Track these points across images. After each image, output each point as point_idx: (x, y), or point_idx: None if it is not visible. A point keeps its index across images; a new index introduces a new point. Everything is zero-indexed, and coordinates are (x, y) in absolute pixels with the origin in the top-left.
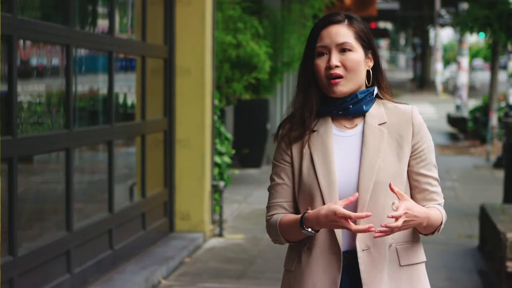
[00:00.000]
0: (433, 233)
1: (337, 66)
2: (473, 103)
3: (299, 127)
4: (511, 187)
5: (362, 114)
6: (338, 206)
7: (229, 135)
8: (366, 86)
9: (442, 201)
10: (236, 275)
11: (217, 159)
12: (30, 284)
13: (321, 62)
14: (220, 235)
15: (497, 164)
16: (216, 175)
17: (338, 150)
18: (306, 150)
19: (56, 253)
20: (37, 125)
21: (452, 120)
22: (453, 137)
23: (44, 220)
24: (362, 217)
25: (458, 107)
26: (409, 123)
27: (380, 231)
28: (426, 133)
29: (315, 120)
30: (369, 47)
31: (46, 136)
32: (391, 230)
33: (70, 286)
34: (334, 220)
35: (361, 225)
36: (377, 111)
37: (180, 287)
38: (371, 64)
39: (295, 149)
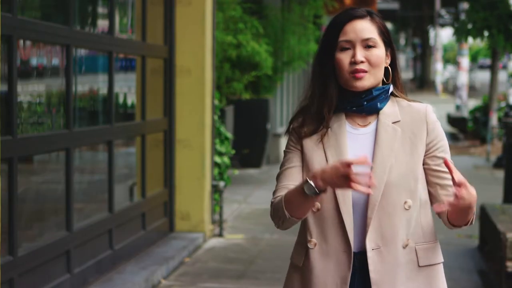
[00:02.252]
0: (468, 221)
1: (362, 62)
2: (473, 103)
3: (314, 122)
4: (511, 187)
5: (376, 111)
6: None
7: (229, 135)
8: (384, 83)
9: None
10: (236, 275)
11: (217, 159)
12: (30, 284)
13: (344, 57)
14: (220, 235)
15: (497, 164)
16: (216, 175)
17: (351, 148)
18: (319, 146)
19: (56, 253)
20: (37, 125)
21: (452, 120)
22: (453, 137)
23: (44, 220)
24: (362, 161)
25: (458, 107)
26: (423, 122)
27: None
28: (441, 132)
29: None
30: (389, 44)
31: (46, 136)
32: (457, 198)
33: (70, 286)
34: (337, 169)
35: (364, 188)
36: (391, 109)
37: (180, 287)
38: (388, 61)
39: (307, 143)
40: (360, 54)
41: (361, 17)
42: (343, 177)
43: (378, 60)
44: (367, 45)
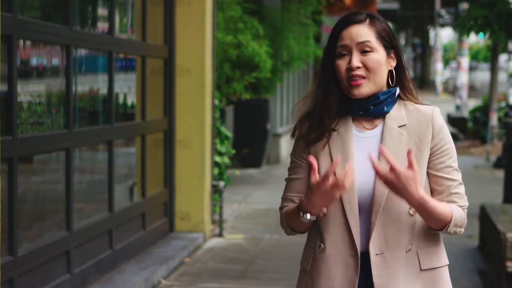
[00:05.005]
0: (442, 229)
1: (358, 67)
2: (473, 103)
3: (318, 128)
4: (511, 187)
5: (382, 115)
6: (314, 177)
7: (229, 134)
8: (389, 86)
9: (464, 204)
10: (236, 275)
11: (217, 159)
12: (30, 284)
13: (342, 63)
14: (220, 235)
15: (497, 164)
16: (216, 175)
17: (357, 151)
18: (325, 150)
19: (56, 253)
20: (37, 125)
21: (452, 120)
22: (453, 137)
23: (44, 220)
24: (335, 164)
25: (458, 107)
26: (429, 126)
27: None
28: (446, 136)
29: (336, 119)
30: (391, 47)
31: (46, 136)
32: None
33: (70, 286)
34: (320, 189)
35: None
36: (398, 112)
37: (180, 287)
38: (393, 63)
39: (314, 148)
40: (356, 59)
41: (357, 22)
42: (326, 193)
43: (375, 65)
44: (364, 49)
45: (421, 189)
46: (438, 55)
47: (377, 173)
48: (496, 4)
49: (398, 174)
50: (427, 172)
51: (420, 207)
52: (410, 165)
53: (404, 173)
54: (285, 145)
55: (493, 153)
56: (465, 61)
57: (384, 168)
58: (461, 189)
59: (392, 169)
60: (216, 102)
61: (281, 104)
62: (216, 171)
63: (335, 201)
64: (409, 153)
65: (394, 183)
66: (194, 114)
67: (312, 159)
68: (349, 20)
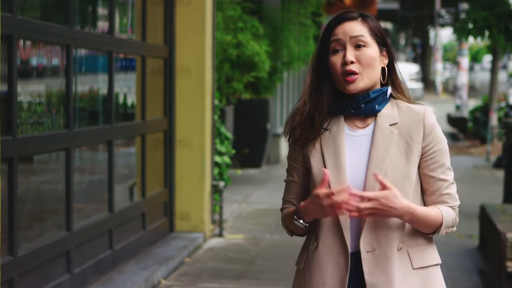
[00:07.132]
0: (433, 233)
1: (352, 62)
2: (473, 103)
3: (310, 128)
4: (511, 187)
5: (374, 114)
6: (319, 189)
7: (229, 135)
8: (381, 84)
9: (455, 204)
10: (236, 275)
11: (217, 159)
12: (30, 284)
13: (336, 59)
14: (220, 235)
15: (497, 164)
16: (216, 175)
17: (349, 150)
18: (317, 149)
19: (56, 253)
20: (37, 125)
21: (452, 120)
22: (453, 137)
23: (44, 220)
24: (343, 189)
25: (458, 107)
26: (420, 124)
27: (348, 208)
28: (438, 135)
29: (328, 118)
30: (384, 44)
31: (46, 136)
32: (356, 210)
33: (70, 286)
34: (319, 203)
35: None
36: (389, 111)
37: (180, 287)
38: (386, 61)
39: (307, 149)
40: (351, 54)
41: (350, 19)
42: (326, 207)
43: (369, 60)
44: (358, 44)
45: (405, 200)
46: (438, 55)
47: (360, 212)
48: (496, 5)
49: (377, 198)
50: (419, 172)
51: (411, 217)
52: (383, 186)
53: (382, 194)
54: (285, 145)
55: (493, 153)
56: (465, 61)
57: (362, 204)
58: (453, 189)
59: (369, 199)
60: (216, 102)
61: (281, 104)
62: (216, 171)
63: (328, 217)
64: (375, 175)
65: (379, 208)
66: (194, 114)
67: (327, 171)
68: (342, 17)
